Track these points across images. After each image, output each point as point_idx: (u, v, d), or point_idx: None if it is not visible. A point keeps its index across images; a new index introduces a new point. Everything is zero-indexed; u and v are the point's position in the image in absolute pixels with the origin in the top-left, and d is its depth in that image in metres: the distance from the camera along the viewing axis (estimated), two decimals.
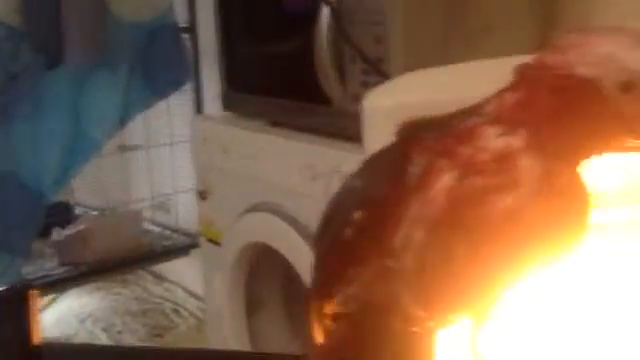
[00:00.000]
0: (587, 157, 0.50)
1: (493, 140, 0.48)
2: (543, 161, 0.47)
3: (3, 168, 1.84)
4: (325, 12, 1.30)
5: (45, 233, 2.15)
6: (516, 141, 0.48)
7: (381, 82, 1.07)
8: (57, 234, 2.20)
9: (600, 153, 0.51)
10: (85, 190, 2.60)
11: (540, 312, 0.62)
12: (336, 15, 1.29)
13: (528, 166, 0.47)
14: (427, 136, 0.53)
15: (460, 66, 0.92)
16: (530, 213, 0.47)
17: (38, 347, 0.61)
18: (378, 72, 1.24)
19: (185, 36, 2.10)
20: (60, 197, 2.30)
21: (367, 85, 1.24)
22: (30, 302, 0.60)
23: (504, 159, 0.47)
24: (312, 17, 1.32)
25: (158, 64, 2.00)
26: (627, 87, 0.47)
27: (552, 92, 0.49)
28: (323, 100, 1.34)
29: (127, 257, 2.18)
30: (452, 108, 0.86)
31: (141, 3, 1.94)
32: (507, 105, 0.51)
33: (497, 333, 0.57)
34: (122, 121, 1.99)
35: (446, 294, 0.50)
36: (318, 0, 1.30)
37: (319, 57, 1.32)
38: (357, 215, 0.51)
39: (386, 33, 1.23)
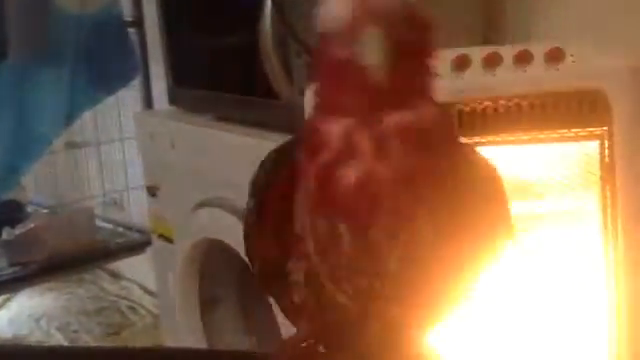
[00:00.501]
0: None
1: (324, 126, 0.50)
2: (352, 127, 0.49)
3: None
4: (269, 5, 1.29)
5: None
6: (335, 122, 0.50)
7: None
8: (7, 233, 2.15)
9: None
10: (36, 188, 2.56)
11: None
12: (280, 8, 1.28)
13: (336, 131, 0.49)
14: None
15: None
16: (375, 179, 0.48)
17: None
18: None
19: (132, 30, 2.07)
20: (10, 195, 2.26)
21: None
22: None
23: (339, 139, 0.49)
24: (258, 10, 1.31)
25: (104, 59, 1.97)
26: None
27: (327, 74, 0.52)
28: (270, 94, 1.33)
29: (80, 255, 2.15)
30: None
31: None
32: (317, 94, 0.53)
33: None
34: (69, 118, 1.96)
35: (351, 275, 0.52)
36: None
37: (265, 51, 1.31)
38: (251, 202, 0.58)
39: None
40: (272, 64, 1.31)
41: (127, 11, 2.06)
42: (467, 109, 0.85)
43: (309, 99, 0.93)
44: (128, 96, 2.15)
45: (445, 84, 0.84)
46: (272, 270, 0.58)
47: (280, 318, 1.33)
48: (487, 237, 0.54)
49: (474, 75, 0.85)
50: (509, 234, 0.55)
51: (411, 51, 0.49)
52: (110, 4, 1.94)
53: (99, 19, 1.91)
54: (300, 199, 0.54)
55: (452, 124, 0.55)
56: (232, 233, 1.40)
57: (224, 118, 1.51)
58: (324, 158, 0.50)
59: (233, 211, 1.40)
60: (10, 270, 2.08)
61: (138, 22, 2.11)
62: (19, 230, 2.15)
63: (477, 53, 0.86)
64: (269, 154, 0.58)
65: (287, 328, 1.32)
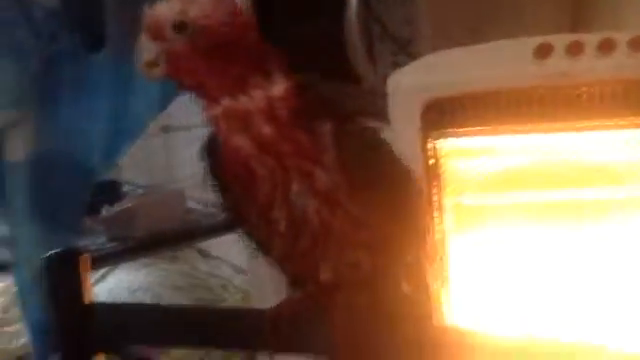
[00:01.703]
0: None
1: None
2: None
3: (53, 147, 1.92)
4: None
5: (95, 211, 2.23)
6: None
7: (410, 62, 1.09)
8: (106, 211, 2.28)
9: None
10: (132, 169, 2.68)
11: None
12: None
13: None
14: None
15: (484, 46, 0.94)
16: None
17: (90, 305, 0.67)
18: (407, 53, 1.26)
19: None
20: (109, 176, 2.37)
21: (397, 65, 1.26)
22: (81, 265, 0.67)
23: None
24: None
25: None
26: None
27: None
28: (354, 80, 1.36)
29: (173, 234, 2.25)
30: (471, 87, 0.89)
31: None
32: None
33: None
34: (164, 102, 2.04)
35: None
36: None
37: (349, 37, 1.34)
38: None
39: (415, 14, 1.25)
40: (356, 49, 1.34)
41: None
42: (549, 96, 0.86)
43: (391, 84, 0.96)
44: None
45: (528, 71, 0.86)
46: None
47: None
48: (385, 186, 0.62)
49: (557, 62, 0.86)
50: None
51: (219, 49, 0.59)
52: None
53: None
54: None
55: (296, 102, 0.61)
56: None
57: None
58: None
59: None
60: (110, 245, 2.20)
61: None
62: (117, 208, 2.27)
63: (560, 41, 0.86)
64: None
65: None
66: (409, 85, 0.96)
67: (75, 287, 0.66)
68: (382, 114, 1.04)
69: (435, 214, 0.91)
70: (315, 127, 0.60)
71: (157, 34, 0.59)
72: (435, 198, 0.90)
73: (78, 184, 2.02)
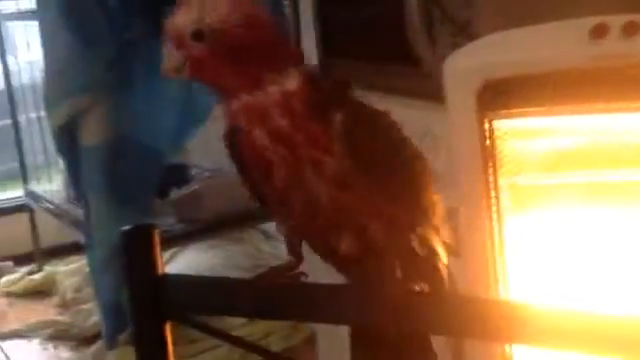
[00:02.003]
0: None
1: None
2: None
3: (125, 130, 2.00)
4: None
5: (164, 193, 2.32)
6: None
7: None
8: (175, 193, 2.36)
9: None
10: (200, 152, 2.76)
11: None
12: None
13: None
14: None
15: (540, 27, 0.94)
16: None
17: (162, 277, 0.73)
18: (466, 34, 1.27)
19: (285, 2, 2.18)
20: (177, 159, 2.45)
21: (456, 47, 1.27)
22: (155, 238, 0.72)
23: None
24: None
25: None
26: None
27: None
28: (414, 62, 1.38)
29: (239, 216, 2.31)
30: (526, 68, 0.90)
31: None
32: None
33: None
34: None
35: None
36: None
37: (410, 19, 1.36)
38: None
39: None
40: (416, 32, 1.36)
41: None
42: (605, 76, 0.86)
43: (447, 66, 0.98)
44: None
45: (584, 51, 0.86)
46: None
47: None
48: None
49: (612, 42, 0.86)
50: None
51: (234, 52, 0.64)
52: None
53: None
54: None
55: (314, 92, 0.65)
56: None
57: (369, 86, 1.57)
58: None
59: None
60: (178, 227, 2.28)
61: None
62: (185, 191, 2.34)
63: (616, 21, 0.86)
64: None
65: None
66: (465, 66, 0.97)
67: (149, 259, 0.71)
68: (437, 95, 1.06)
69: (491, 194, 0.93)
70: (327, 117, 0.64)
71: (179, 42, 0.64)
72: (491, 179, 0.92)
73: (149, 167, 2.10)
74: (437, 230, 0.72)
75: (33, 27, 2.36)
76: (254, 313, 0.73)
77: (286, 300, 0.69)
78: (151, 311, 0.71)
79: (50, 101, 2.03)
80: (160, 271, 0.71)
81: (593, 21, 0.87)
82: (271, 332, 2.18)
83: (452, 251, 0.75)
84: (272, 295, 0.69)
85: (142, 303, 0.71)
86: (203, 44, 0.64)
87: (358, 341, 0.76)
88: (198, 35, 0.63)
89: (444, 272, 0.73)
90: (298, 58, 0.67)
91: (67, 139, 2.05)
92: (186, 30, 0.64)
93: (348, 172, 0.64)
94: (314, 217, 0.66)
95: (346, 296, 0.69)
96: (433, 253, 0.72)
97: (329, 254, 0.71)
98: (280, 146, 0.64)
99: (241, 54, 0.64)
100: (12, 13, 2.69)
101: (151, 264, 0.70)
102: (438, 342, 0.76)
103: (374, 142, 0.67)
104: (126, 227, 0.71)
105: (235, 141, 0.67)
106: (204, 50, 0.64)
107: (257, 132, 0.64)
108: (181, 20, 0.64)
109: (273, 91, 0.64)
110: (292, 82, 0.64)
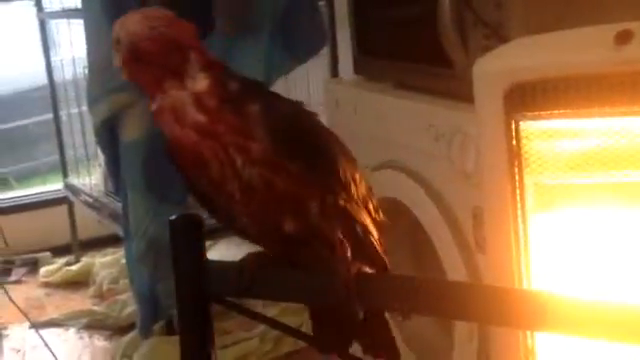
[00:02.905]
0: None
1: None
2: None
3: None
4: None
5: None
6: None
7: None
8: None
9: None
10: None
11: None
12: None
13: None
14: None
15: (566, 32, 0.97)
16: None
17: (207, 262, 0.78)
18: (498, 37, 1.30)
19: (322, 2, 2.22)
20: None
21: (488, 49, 1.30)
22: (201, 227, 0.78)
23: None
24: None
25: (297, 30, 2.13)
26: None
27: None
28: (446, 63, 1.41)
29: None
30: (553, 72, 0.93)
31: None
32: None
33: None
34: (266, 84, 2.15)
35: None
36: None
37: (442, 22, 1.39)
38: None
39: None
40: (448, 34, 1.39)
41: None
42: (629, 80, 0.89)
43: (477, 68, 1.01)
44: (315, 65, 2.30)
45: (608, 56, 0.89)
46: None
47: (449, 274, 1.43)
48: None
49: (636, 48, 0.89)
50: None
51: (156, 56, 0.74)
52: None
53: None
54: None
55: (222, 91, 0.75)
56: (407, 192, 1.51)
57: (402, 86, 1.61)
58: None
59: (408, 173, 1.51)
60: (211, 221, 2.33)
61: None
62: None
63: None
64: None
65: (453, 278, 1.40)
66: (494, 69, 1.01)
67: (195, 246, 0.76)
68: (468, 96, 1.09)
69: (517, 193, 0.96)
70: (243, 109, 0.73)
71: (115, 46, 0.76)
72: (516, 178, 0.95)
73: None
74: (362, 205, 0.80)
75: (76, 25, 2.43)
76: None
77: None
78: (196, 293, 0.76)
79: (92, 97, 2.09)
80: (204, 257, 0.77)
81: (618, 27, 0.89)
82: (304, 322, 2.23)
83: (381, 226, 0.83)
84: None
85: (188, 286, 0.77)
86: (122, 50, 0.75)
87: (317, 320, 0.85)
88: (117, 42, 0.76)
89: (377, 246, 0.82)
90: (209, 64, 0.76)
91: (108, 134, 2.11)
92: (114, 37, 0.76)
93: (274, 153, 0.73)
94: (251, 201, 0.74)
95: (299, 279, 0.77)
96: (362, 227, 0.80)
97: (277, 242, 0.78)
98: (206, 139, 0.73)
99: (148, 61, 0.74)
100: (57, 11, 2.77)
101: (197, 250, 0.76)
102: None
103: (291, 125, 0.76)
104: (173, 217, 0.77)
105: (173, 147, 0.76)
106: (124, 55, 0.75)
107: (179, 130, 0.73)
108: (114, 27, 0.77)
109: (180, 94, 0.74)
110: (201, 84, 0.74)
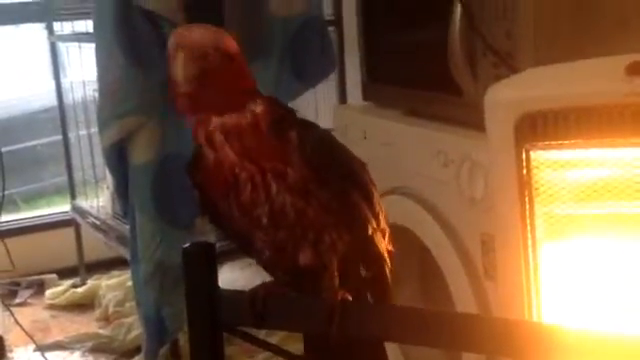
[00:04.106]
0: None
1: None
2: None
3: (174, 150, 2.05)
4: (458, 7, 1.37)
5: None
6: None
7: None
8: None
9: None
10: None
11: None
12: (468, 11, 1.36)
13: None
14: None
15: (578, 63, 0.98)
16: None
17: (220, 291, 0.78)
18: (508, 66, 1.30)
19: (331, 28, 2.23)
20: None
21: (498, 78, 1.30)
22: (213, 255, 0.79)
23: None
24: (447, 11, 1.40)
25: (306, 55, 2.14)
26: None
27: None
28: (455, 91, 1.42)
29: None
30: (564, 102, 0.93)
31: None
32: None
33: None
34: (284, 96, 2.15)
35: None
36: None
37: (452, 49, 1.40)
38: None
39: (516, 28, 1.29)
40: (458, 62, 1.40)
41: (328, 10, 2.22)
42: (639, 111, 0.90)
43: (488, 97, 1.02)
44: (323, 90, 2.31)
45: (618, 87, 0.90)
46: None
47: (457, 302, 1.42)
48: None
49: None
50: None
51: (217, 73, 0.73)
52: (314, 6, 2.11)
53: (303, 20, 2.09)
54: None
55: (269, 119, 0.75)
56: (416, 219, 1.51)
57: (412, 113, 1.62)
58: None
59: (417, 199, 1.51)
60: (217, 245, 2.33)
61: (337, 21, 2.27)
62: None
63: None
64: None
65: (463, 308, 1.41)
66: (505, 99, 1.01)
67: (208, 274, 0.77)
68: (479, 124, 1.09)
69: (527, 222, 0.96)
70: (284, 135, 0.74)
71: (199, 54, 0.75)
72: (527, 207, 0.95)
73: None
74: (384, 235, 0.81)
75: (87, 48, 2.45)
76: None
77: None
78: (209, 323, 0.76)
79: (102, 121, 2.10)
80: (216, 284, 0.77)
81: (629, 59, 0.90)
82: None
83: (392, 257, 0.84)
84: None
85: (201, 315, 0.77)
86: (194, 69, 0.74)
87: (309, 345, 0.85)
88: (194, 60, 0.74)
89: (389, 276, 0.83)
90: (255, 85, 0.77)
91: (117, 157, 2.11)
92: (205, 44, 0.74)
93: (307, 180, 0.74)
94: (277, 229, 0.75)
95: (297, 305, 0.77)
96: (381, 258, 0.80)
97: (279, 268, 0.80)
98: (247, 161, 0.74)
99: (219, 79, 0.74)
100: (67, 35, 2.79)
101: (210, 279, 0.76)
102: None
103: (325, 153, 0.77)
104: (186, 244, 0.77)
105: (199, 165, 0.76)
106: (195, 71, 0.74)
107: (227, 150, 0.74)
108: (199, 35, 0.75)
109: (246, 113, 0.74)
110: (259, 106, 0.74)
